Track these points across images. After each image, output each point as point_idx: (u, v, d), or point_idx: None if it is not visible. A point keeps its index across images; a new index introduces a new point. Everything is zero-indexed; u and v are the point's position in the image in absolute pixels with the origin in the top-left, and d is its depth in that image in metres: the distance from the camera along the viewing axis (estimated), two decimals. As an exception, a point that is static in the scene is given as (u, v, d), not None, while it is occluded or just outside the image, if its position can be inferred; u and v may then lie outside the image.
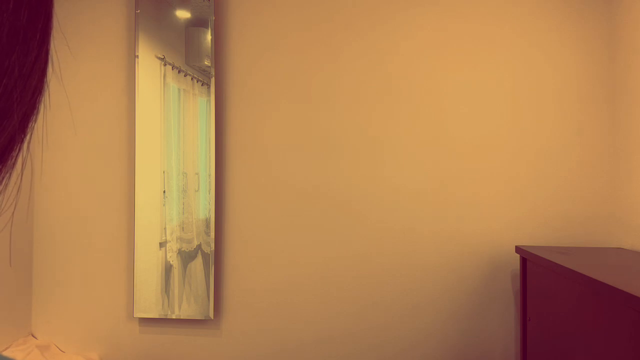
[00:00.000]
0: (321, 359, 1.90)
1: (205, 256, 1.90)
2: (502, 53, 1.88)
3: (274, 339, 1.92)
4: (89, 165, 2.01)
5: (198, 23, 1.92)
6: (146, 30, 1.92)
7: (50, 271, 2.01)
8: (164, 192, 1.91)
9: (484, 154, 1.87)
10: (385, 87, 1.92)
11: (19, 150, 0.23)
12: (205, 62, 1.91)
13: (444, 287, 1.87)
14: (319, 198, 1.92)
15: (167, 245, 1.91)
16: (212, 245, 1.90)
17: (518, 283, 1.84)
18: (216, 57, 1.95)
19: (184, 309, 1.90)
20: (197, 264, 1.90)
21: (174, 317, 1.90)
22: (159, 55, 1.92)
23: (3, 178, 0.23)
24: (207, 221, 1.90)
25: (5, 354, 1.77)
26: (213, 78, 1.91)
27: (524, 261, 1.70)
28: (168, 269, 1.91)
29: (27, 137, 0.23)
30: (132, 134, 1.97)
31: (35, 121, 0.23)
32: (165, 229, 1.91)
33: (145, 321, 1.96)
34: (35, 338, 1.99)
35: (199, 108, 1.92)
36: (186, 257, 1.91)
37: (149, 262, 1.91)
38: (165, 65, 1.92)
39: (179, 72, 1.92)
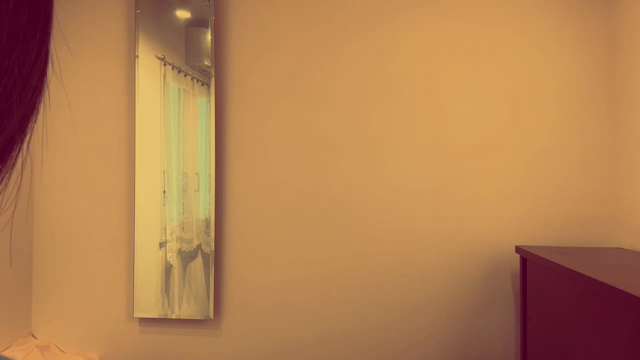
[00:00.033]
0: (321, 359, 1.90)
1: (205, 256, 1.90)
2: (502, 53, 1.88)
3: (274, 339, 1.92)
4: (89, 165, 2.01)
5: (198, 23, 1.92)
6: (146, 30, 1.92)
7: (50, 271, 2.01)
8: (164, 192, 1.91)
9: (484, 154, 1.87)
10: (385, 87, 1.92)
11: (19, 150, 0.23)
12: (205, 62, 1.91)
13: (444, 287, 1.87)
14: (319, 198, 1.92)
15: (167, 245, 1.91)
16: (212, 245, 1.90)
17: (518, 283, 1.84)
18: (216, 57, 1.95)
19: (184, 309, 1.90)
20: (197, 264, 1.90)
21: (174, 317, 1.90)
22: (159, 55, 1.92)
23: (3, 178, 0.23)
24: (207, 221, 1.90)
25: (5, 354, 1.77)
26: (213, 78, 1.91)
27: (524, 261, 1.70)
28: (168, 269, 1.91)
29: (27, 137, 0.23)
30: (132, 134, 1.97)
31: (35, 121, 0.23)
32: (165, 229, 1.91)
33: (145, 321, 1.96)
34: (35, 338, 1.99)
35: (199, 108, 1.92)
36: (186, 257, 1.91)
37: (149, 262, 1.91)
38: (165, 65, 1.92)
39: (179, 72, 1.92)
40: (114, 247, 1.98)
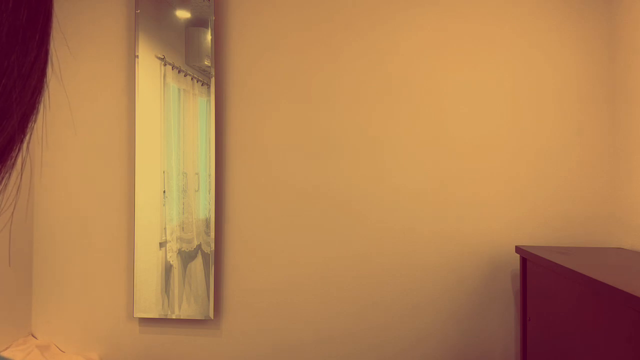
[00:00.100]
0: (321, 359, 1.90)
1: (205, 256, 1.90)
2: (502, 53, 1.88)
3: (274, 339, 1.92)
4: (89, 165, 2.01)
5: (198, 23, 1.92)
6: (146, 30, 1.92)
7: (50, 271, 2.01)
8: (164, 192, 1.91)
9: (484, 154, 1.87)
10: (385, 87, 1.92)
11: (19, 150, 0.23)
12: (205, 62, 1.91)
13: (444, 287, 1.87)
14: (319, 198, 1.92)
15: (167, 245, 1.91)
16: (212, 245, 1.90)
17: (518, 283, 1.84)
18: (216, 57, 1.95)
19: (184, 309, 1.90)
20: (197, 264, 1.90)
21: (174, 317, 1.90)
22: (159, 55, 1.92)
23: (3, 178, 0.23)
24: (207, 221, 1.90)
25: (5, 354, 1.77)
26: (213, 78, 1.91)
27: (524, 261, 1.69)
28: (168, 269, 1.91)
29: (27, 137, 0.23)
30: (132, 134, 1.97)
31: (35, 121, 0.23)
32: (165, 229, 1.91)
33: (145, 321, 1.96)
34: (35, 338, 1.99)
35: (199, 108, 1.92)
36: (186, 257, 1.91)
37: (149, 262, 1.91)
38: (165, 65, 1.92)
39: (179, 72, 1.92)
40: (114, 247, 1.98)
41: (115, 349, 1.97)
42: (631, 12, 1.70)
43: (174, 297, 1.90)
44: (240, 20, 1.97)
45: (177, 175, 1.91)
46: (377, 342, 1.89)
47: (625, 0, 1.74)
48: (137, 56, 1.92)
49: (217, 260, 1.94)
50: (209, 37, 1.91)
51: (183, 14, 1.92)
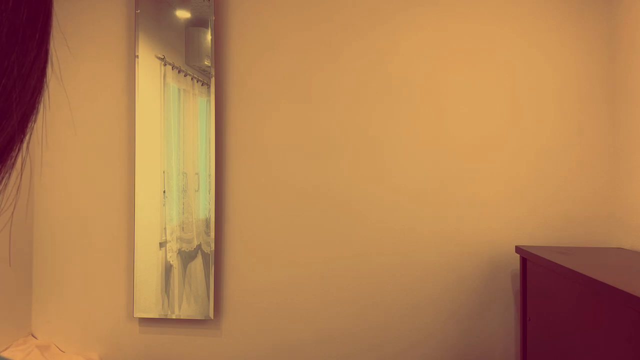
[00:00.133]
0: (321, 359, 1.90)
1: (205, 256, 1.90)
2: (502, 53, 1.88)
3: (274, 339, 1.92)
4: (89, 165, 2.01)
5: (198, 23, 1.92)
6: (146, 30, 1.92)
7: (50, 271, 2.01)
8: (164, 192, 1.91)
9: (484, 154, 1.87)
10: (385, 87, 1.92)
11: (19, 150, 0.23)
12: (205, 62, 1.91)
13: (444, 287, 1.87)
14: (319, 198, 1.92)
15: (167, 245, 1.91)
16: (212, 245, 1.90)
17: (518, 283, 1.84)
18: (216, 57, 1.95)
19: (184, 309, 1.90)
20: (197, 264, 1.90)
21: (174, 317, 1.90)
22: (159, 55, 1.92)
23: (3, 178, 0.23)
24: (207, 221, 1.90)
25: (5, 354, 1.77)
26: (213, 78, 1.91)
27: (524, 261, 1.69)
28: (168, 269, 1.91)
29: (27, 137, 0.23)
30: (132, 134, 1.97)
31: (35, 121, 0.23)
32: (165, 229, 1.91)
33: (145, 321, 1.96)
34: (35, 338, 1.99)
35: (199, 108, 1.92)
36: (186, 257, 1.91)
37: (149, 262, 1.91)
38: (165, 65, 1.92)
39: (179, 72, 1.92)
40: (114, 247, 1.98)
41: (115, 349, 1.97)
42: (631, 12, 1.70)
43: (174, 297, 1.90)
44: (240, 20, 1.97)
45: (177, 175, 1.91)
46: (377, 342, 1.89)
47: (625, 0, 1.74)
48: (137, 56, 1.92)
49: (217, 260, 1.94)
50: (209, 37, 1.91)
51: (183, 14, 1.92)
